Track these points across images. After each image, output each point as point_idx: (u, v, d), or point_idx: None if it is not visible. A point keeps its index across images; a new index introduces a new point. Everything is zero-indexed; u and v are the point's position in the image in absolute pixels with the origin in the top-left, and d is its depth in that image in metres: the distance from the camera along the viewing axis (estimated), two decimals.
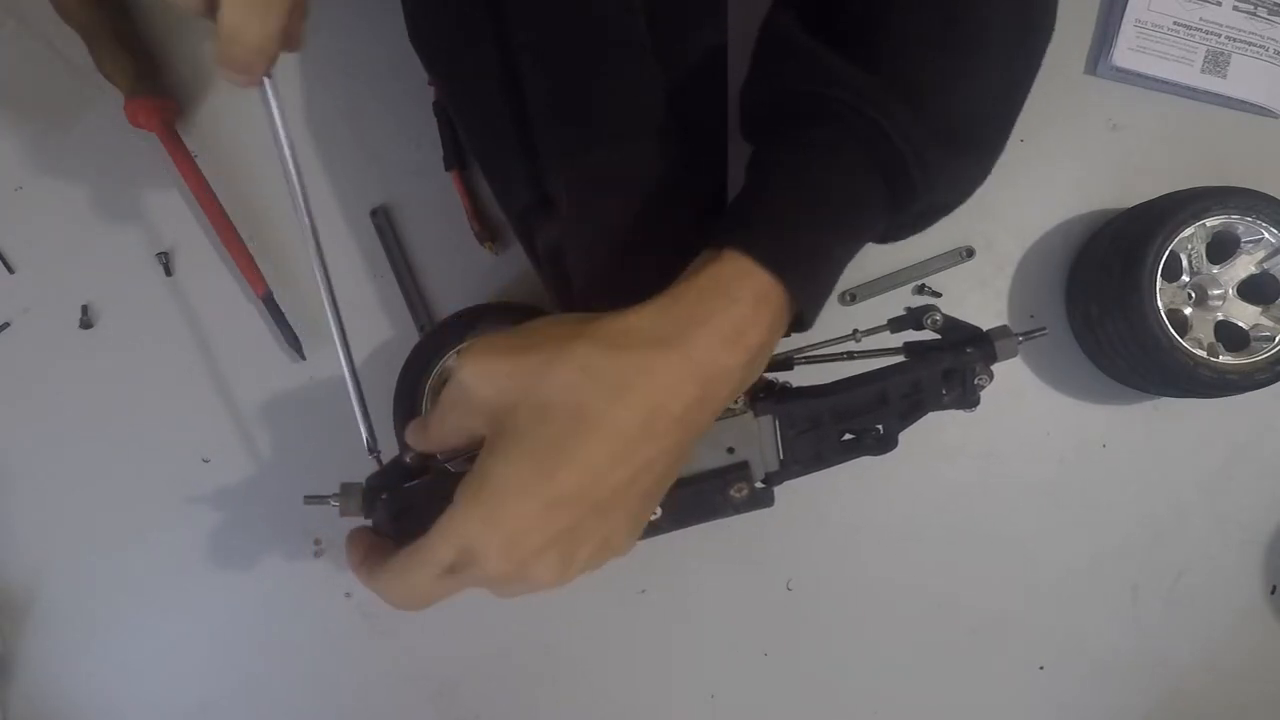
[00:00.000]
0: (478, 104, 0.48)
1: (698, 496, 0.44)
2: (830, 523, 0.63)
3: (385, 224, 0.61)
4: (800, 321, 0.39)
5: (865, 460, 0.47)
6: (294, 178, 0.43)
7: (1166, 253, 0.56)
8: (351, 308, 0.61)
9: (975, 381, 0.46)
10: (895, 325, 0.48)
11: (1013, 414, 0.64)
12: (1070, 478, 0.64)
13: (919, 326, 0.47)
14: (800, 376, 0.48)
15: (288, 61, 0.61)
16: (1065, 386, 0.64)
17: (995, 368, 0.46)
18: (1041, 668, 0.64)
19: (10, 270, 0.61)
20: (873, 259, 0.63)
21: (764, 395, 0.45)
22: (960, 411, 0.47)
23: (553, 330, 0.36)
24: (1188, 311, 0.59)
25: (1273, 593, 0.65)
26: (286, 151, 0.42)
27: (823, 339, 0.48)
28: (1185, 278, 0.59)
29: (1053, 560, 0.64)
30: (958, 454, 0.64)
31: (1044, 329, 0.49)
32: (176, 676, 0.61)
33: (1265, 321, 0.59)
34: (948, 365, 0.46)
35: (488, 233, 0.61)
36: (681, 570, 0.63)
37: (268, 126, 0.41)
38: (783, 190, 0.39)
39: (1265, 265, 0.59)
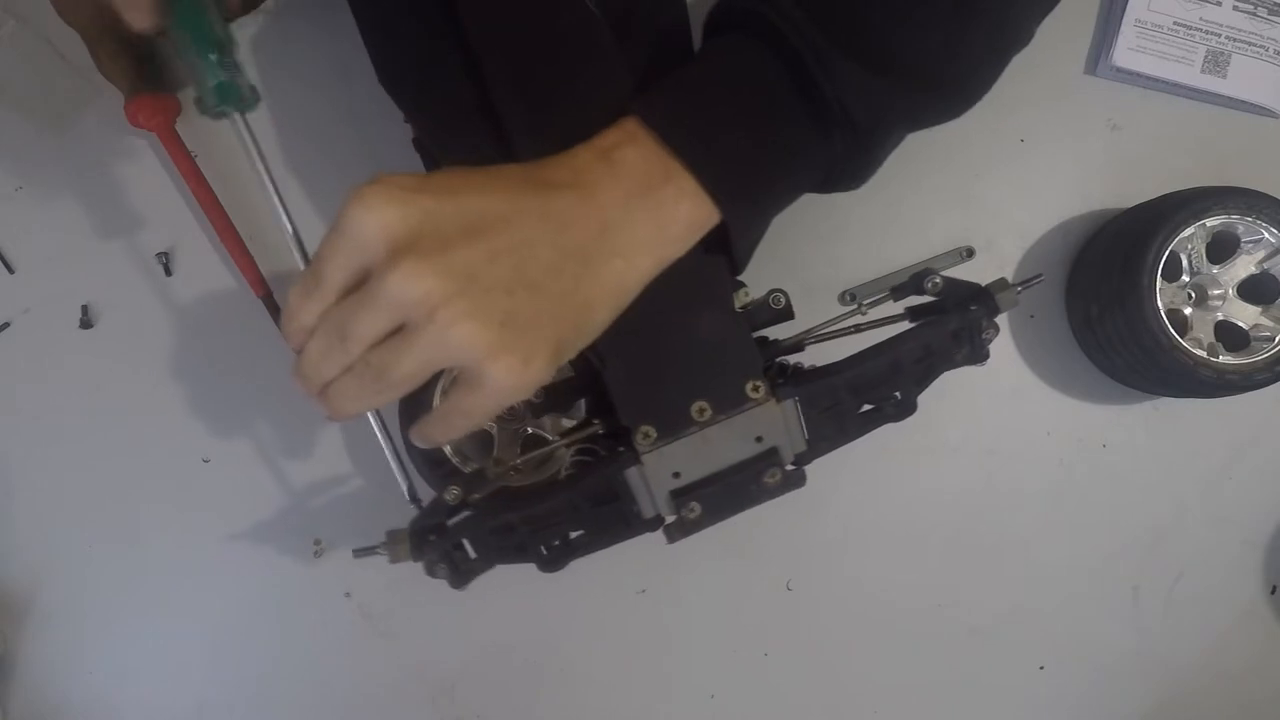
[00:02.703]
0: (457, 135, 0.49)
1: (732, 488, 0.45)
2: (830, 522, 0.63)
3: None
4: (728, 222, 0.41)
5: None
6: (266, 180, 0.45)
7: (1166, 253, 0.56)
8: None
9: (983, 336, 0.47)
10: (897, 294, 0.50)
11: (1013, 414, 0.64)
12: (1070, 477, 0.64)
13: (920, 291, 0.48)
14: (813, 356, 0.49)
15: (287, 64, 0.61)
16: (1065, 386, 0.64)
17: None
18: (1041, 668, 0.64)
19: (10, 270, 0.61)
20: (872, 258, 0.63)
21: (782, 380, 0.46)
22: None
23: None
24: (1188, 311, 0.59)
25: (1273, 593, 0.65)
26: (250, 145, 0.44)
27: (828, 319, 0.50)
28: (1185, 278, 0.59)
29: (1053, 560, 0.64)
30: (958, 454, 0.64)
31: (1040, 276, 0.50)
32: (176, 677, 0.61)
33: (1265, 321, 0.59)
34: (955, 325, 0.47)
35: None
36: (681, 570, 0.62)
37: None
38: (682, 72, 0.42)
39: (1265, 265, 0.59)
